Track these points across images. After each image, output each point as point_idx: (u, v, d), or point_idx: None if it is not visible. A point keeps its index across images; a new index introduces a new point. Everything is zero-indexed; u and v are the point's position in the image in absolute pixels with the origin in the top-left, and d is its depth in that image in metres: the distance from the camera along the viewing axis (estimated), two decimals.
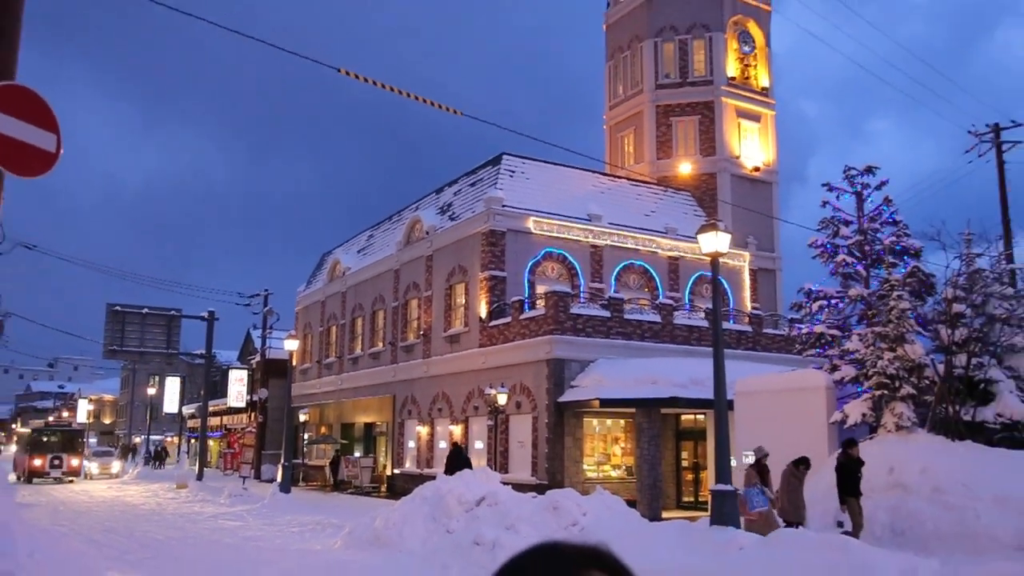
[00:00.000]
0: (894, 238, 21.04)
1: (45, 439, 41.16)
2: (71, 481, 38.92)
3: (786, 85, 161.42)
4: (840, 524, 14.30)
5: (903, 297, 17.45)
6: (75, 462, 40.32)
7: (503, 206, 28.30)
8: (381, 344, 35.10)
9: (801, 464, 14.62)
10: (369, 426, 36.11)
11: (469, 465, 27.74)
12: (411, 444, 32.03)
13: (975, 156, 25.54)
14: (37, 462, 38.94)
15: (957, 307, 16.84)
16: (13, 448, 63.14)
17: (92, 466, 44.33)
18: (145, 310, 42.01)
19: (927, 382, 16.87)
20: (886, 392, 16.70)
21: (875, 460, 15.62)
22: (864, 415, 17.28)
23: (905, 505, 14.30)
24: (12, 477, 42.83)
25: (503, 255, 28.14)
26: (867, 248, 21.35)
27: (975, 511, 13.31)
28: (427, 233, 32.02)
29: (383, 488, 32.06)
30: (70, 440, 41.59)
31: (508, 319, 26.88)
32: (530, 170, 31.17)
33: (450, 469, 27.50)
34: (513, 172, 30.66)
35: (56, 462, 39.09)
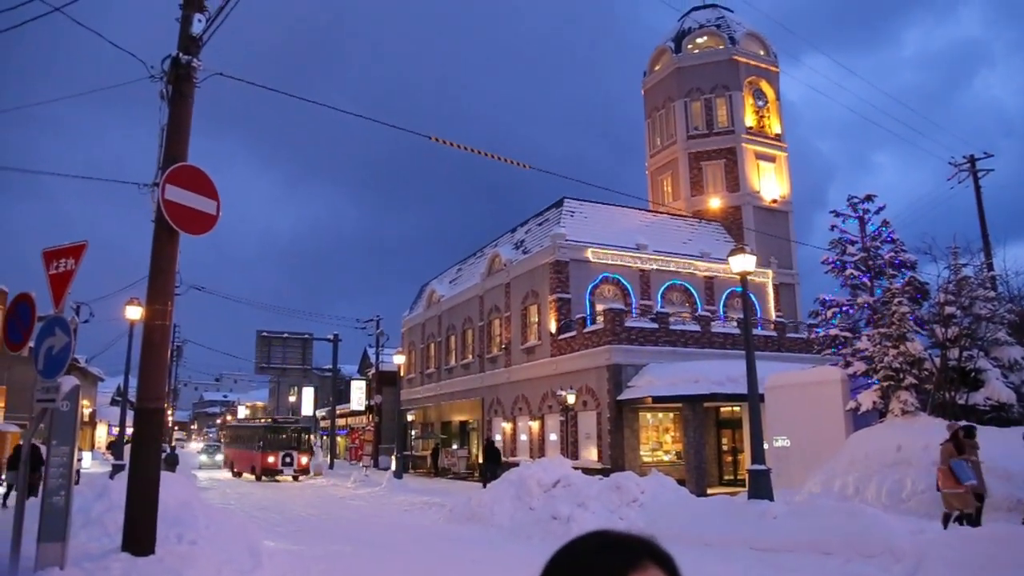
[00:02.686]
0: (893, 253, 20.62)
1: (276, 435, 33.86)
2: (301, 479, 32.67)
3: (807, 125, 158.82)
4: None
5: (903, 303, 17.12)
6: (305, 459, 33.47)
7: (566, 240, 28.51)
8: (471, 356, 35.51)
9: (971, 435, 12.61)
10: (463, 423, 36.46)
11: (499, 457, 28.44)
12: (497, 437, 32.25)
13: (956, 183, 25.02)
14: (271, 459, 32.11)
15: (948, 309, 16.46)
16: (195, 444, 62.50)
17: None
18: (285, 335, 43.35)
19: (926, 373, 16.48)
20: (892, 383, 16.37)
21: (885, 440, 15.32)
22: (874, 403, 16.96)
23: (911, 477, 13.97)
24: (223, 473, 37.37)
25: (567, 280, 28.32)
26: (870, 263, 20.96)
27: None
28: (505, 265, 32.39)
29: (475, 474, 32.36)
30: (299, 436, 34.85)
31: (573, 333, 27.00)
32: (587, 210, 31.33)
33: (486, 460, 28.24)
34: (573, 213, 30.87)
35: (288, 459, 32.45)
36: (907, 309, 17.07)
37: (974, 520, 11.38)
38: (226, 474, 37.02)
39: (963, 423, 13.00)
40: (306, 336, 42.60)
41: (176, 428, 77.14)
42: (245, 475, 34.13)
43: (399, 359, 34.97)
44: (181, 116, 8.51)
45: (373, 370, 46.88)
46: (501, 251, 33.46)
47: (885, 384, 16.54)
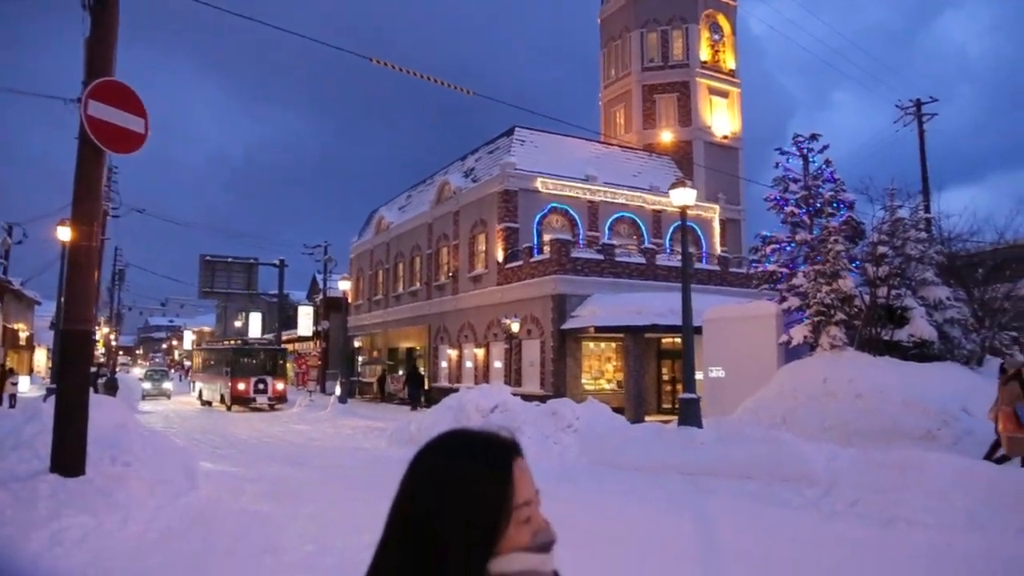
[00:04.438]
0: (832, 193, 21.07)
1: (248, 359, 30.89)
2: (278, 408, 29.50)
3: (772, 60, 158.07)
4: None
5: (838, 241, 17.57)
6: (281, 386, 30.17)
7: (515, 169, 28.41)
8: (418, 284, 35.57)
9: None
10: (410, 350, 36.71)
11: (423, 382, 29.72)
12: (443, 364, 32.66)
13: (901, 126, 25.49)
14: (241, 386, 28.98)
15: (881, 249, 16.94)
16: (139, 370, 60.54)
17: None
18: (230, 259, 42.67)
19: (856, 310, 17.04)
20: (823, 318, 16.90)
21: (813, 373, 15.91)
22: (806, 337, 17.51)
23: (834, 408, 14.59)
24: (191, 400, 34.49)
25: (516, 210, 28.34)
26: (811, 201, 21.40)
27: (888, 411, 13.63)
28: (454, 193, 32.21)
29: (423, 400, 32.82)
30: (274, 360, 31.49)
31: (520, 262, 27.18)
32: (538, 139, 31.15)
33: (410, 384, 29.54)
34: (524, 142, 30.67)
35: (261, 386, 29.29)
36: (842, 247, 17.53)
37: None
38: (182, 406, 35.07)
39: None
40: (251, 261, 42.01)
41: (121, 353, 75.99)
42: (216, 405, 31.13)
43: (346, 285, 34.83)
44: (105, 27, 8.17)
45: (321, 296, 46.68)
46: (451, 179, 33.21)
47: (816, 319, 17.08)
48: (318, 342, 46.86)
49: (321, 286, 45.91)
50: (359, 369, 41.50)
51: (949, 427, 13.05)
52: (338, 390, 29.86)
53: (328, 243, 43.62)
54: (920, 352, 16.04)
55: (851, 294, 16.96)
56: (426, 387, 32.59)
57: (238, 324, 57.23)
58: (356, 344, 42.44)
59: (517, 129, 31.08)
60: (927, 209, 20.85)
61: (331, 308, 44.06)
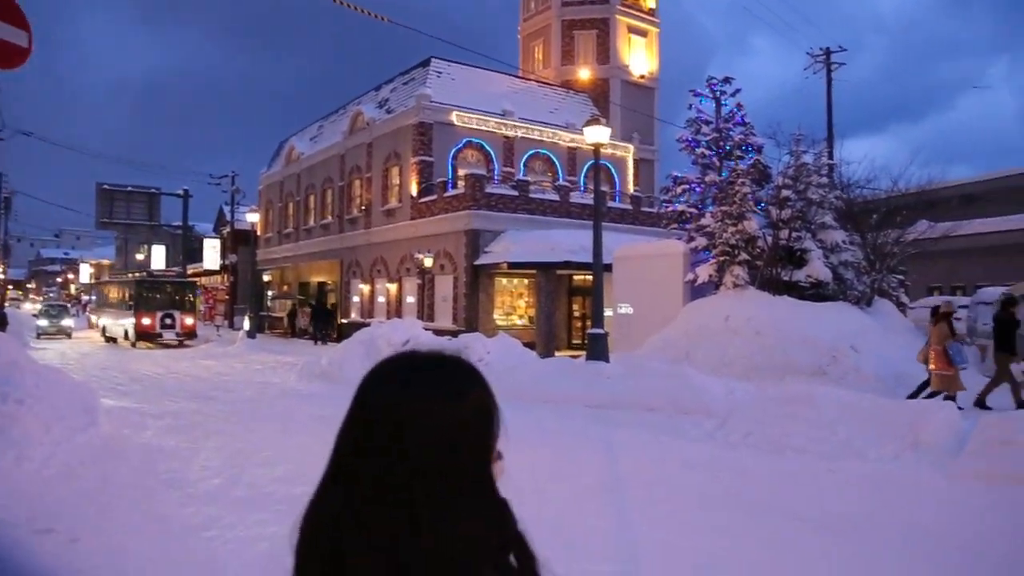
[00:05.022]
0: (742, 136, 21.61)
1: (154, 293, 29.11)
2: (187, 344, 28.04)
3: (692, 2, 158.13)
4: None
5: (745, 184, 18.14)
6: (190, 320, 28.64)
7: (431, 102, 27.90)
8: (330, 217, 34.84)
9: (1011, 305, 12.21)
10: (321, 284, 36.17)
11: (328, 316, 29.73)
12: (355, 299, 32.37)
13: (811, 73, 26.20)
14: (146, 321, 27.26)
15: (785, 193, 17.57)
16: (31, 306, 57.22)
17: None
18: (129, 188, 40.55)
19: (759, 251, 17.71)
20: (728, 258, 17.51)
21: (716, 311, 16.55)
22: (711, 276, 18.13)
23: (734, 344, 15.26)
24: (94, 337, 32.14)
25: (431, 143, 27.92)
26: (721, 144, 21.90)
27: (784, 348, 14.37)
28: (368, 124, 31.43)
29: (334, 335, 32.53)
30: (182, 293, 29.97)
31: (434, 197, 26.93)
32: (455, 71, 30.55)
33: (315, 319, 29.75)
34: (440, 73, 30.04)
35: (168, 321, 27.63)
36: (748, 190, 18.10)
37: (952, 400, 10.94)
38: (81, 343, 32.97)
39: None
40: (153, 190, 40.05)
41: (10, 288, 71.85)
42: (121, 342, 29.24)
43: (254, 217, 33.79)
44: None
45: (228, 228, 45.17)
46: (364, 109, 32.35)
47: (722, 259, 17.68)
48: (225, 276, 45.54)
49: (228, 218, 44.36)
50: (268, 304, 40.69)
51: (838, 363, 13.88)
52: (247, 325, 29.27)
53: (236, 173, 42.05)
54: (816, 292, 16.86)
55: (755, 235, 17.60)
56: (336, 321, 32.34)
57: (140, 257, 54.75)
58: (265, 278, 41.48)
59: (434, 60, 30.39)
60: (830, 156, 21.66)
61: (239, 241, 42.73)
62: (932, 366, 11.34)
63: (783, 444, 8.57)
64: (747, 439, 9.15)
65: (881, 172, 24.84)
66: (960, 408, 10.69)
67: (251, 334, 28.39)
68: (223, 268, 45.98)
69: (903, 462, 7.86)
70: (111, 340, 30.16)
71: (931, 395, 11.35)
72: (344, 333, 28.57)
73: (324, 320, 30.68)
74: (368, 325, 20.02)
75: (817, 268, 16.79)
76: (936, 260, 23.84)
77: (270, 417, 11.09)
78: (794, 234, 17.33)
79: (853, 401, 9.35)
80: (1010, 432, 7.68)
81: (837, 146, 23.64)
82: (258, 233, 37.03)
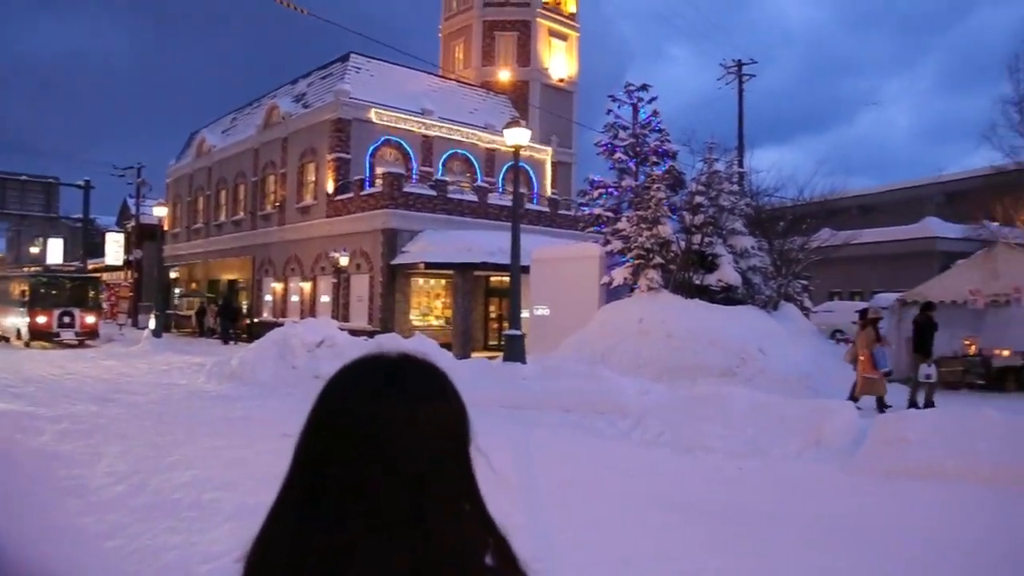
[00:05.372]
0: (658, 142, 22.16)
1: (50, 289, 26.94)
2: (88, 344, 26.24)
3: (612, 9, 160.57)
4: (928, 376, 11.90)
5: (660, 189, 18.56)
6: (91, 319, 26.71)
7: (350, 98, 27.48)
8: (242, 213, 33.88)
9: (929, 309, 12.86)
10: (232, 282, 35.13)
11: (235, 315, 29.47)
12: (268, 298, 31.59)
13: (724, 84, 27.11)
14: (42, 319, 25.52)
15: (698, 199, 18.05)
16: None
17: None
18: (24, 177, 38.39)
19: (672, 255, 18.11)
20: (643, 261, 17.84)
21: (631, 313, 16.85)
22: (626, 279, 18.44)
23: (648, 346, 15.56)
24: None
25: (348, 140, 27.51)
26: (638, 149, 22.40)
27: (695, 350, 14.77)
28: (283, 118, 30.69)
29: (244, 335, 31.64)
30: (83, 290, 27.92)
31: (351, 194, 26.54)
32: (374, 68, 30.20)
33: (222, 318, 29.17)
34: (359, 69, 29.64)
35: (67, 319, 25.86)
36: (663, 195, 18.54)
37: (881, 402, 11.72)
38: None
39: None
40: (50, 180, 38.05)
41: None
42: (14, 341, 27.22)
43: (161, 211, 32.48)
44: None
45: (133, 222, 43.35)
46: (280, 103, 31.58)
47: (637, 262, 18.02)
48: (129, 272, 43.67)
49: (133, 211, 42.56)
50: (175, 302, 39.24)
51: (747, 365, 14.36)
52: (152, 324, 28.17)
53: (142, 165, 40.36)
54: (726, 296, 17.39)
55: (669, 240, 18.03)
56: (245, 320, 31.49)
57: (34, 250, 51.95)
58: (172, 275, 40.01)
59: (353, 55, 29.95)
60: (740, 164, 22.43)
61: (145, 236, 41.02)
62: (860, 369, 11.78)
63: (695, 443, 8.82)
64: (660, 438, 9.38)
65: (788, 181, 25.91)
66: (889, 406, 11.27)
67: (157, 333, 27.33)
68: (127, 264, 44.10)
69: (806, 459, 8.21)
70: (2, 340, 28.47)
71: (854, 399, 11.70)
72: (256, 333, 27.82)
73: (231, 318, 29.84)
74: (281, 325, 19.56)
75: (728, 273, 17.33)
76: (837, 266, 24.99)
77: (177, 420, 10.70)
78: (706, 239, 17.83)
79: (760, 401, 9.71)
80: (903, 430, 8.12)
81: (747, 155, 24.54)
82: (165, 228, 35.62)
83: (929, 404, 11.52)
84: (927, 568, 4.91)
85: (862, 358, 11.74)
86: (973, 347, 14.78)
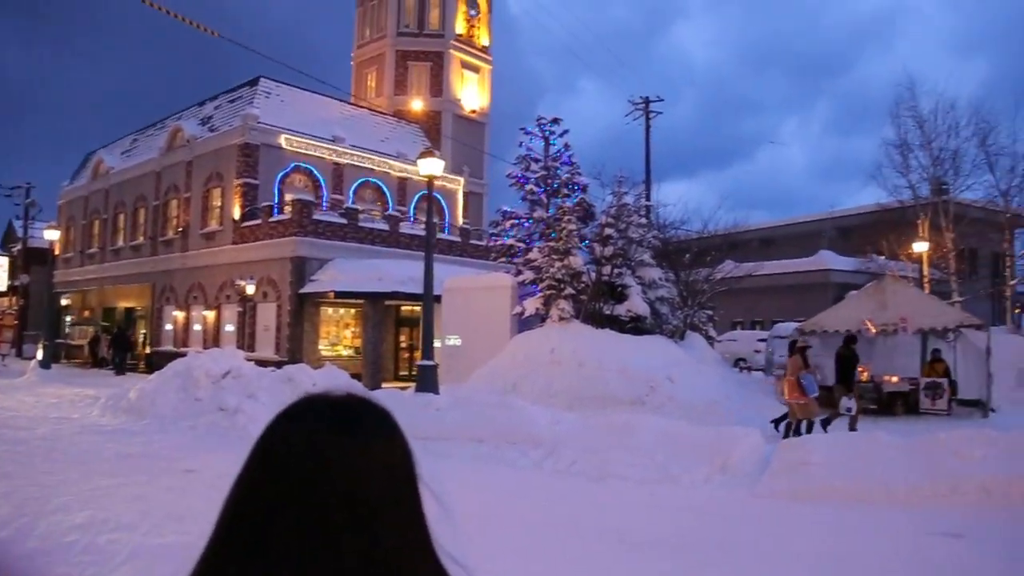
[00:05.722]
0: (569, 175, 22.58)
1: None
2: None
3: (525, 42, 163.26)
4: (849, 409, 12.53)
5: (572, 221, 18.91)
6: None
7: (259, 122, 26.94)
8: (142, 238, 32.52)
9: (852, 342, 13.76)
10: (130, 310, 33.61)
11: (128, 345, 28.24)
12: (168, 327, 30.33)
13: (632, 120, 28.00)
14: None
15: (608, 231, 18.47)
16: None
17: None
18: None
19: (583, 285, 18.42)
20: (554, 292, 18.08)
21: (542, 343, 17.01)
22: (538, 309, 18.63)
23: (559, 375, 15.73)
24: None
25: (256, 165, 26.91)
26: (549, 181, 22.76)
27: (605, 379, 15.01)
28: (188, 141, 29.78)
29: (141, 365, 30.23)
30: None
31: (259, 221, 25.91)
32: (284, 93, 29.76)
33: (115, 348, 28.09)
34: (269, 93, 29.15)
35: None
36: (575, 227, 18.89)
37: (817, 425, 12.07)
38: None
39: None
40: None
41: None
42: None
43: (52, 235, 30.84)
44: None
45: (20, 246, 41.02)
46: (185, 125, 30.67)
47: (548, 293, 18.25)
48: (14, 299, 41.21)
49: (21, 234, 40.33)
50: (67, 330, 37.19)
51: (656, 393, 14.69)
52: (40, 354, 26.60)
53: (31, 184, 38.42)
54: (635, 326, 17.79)
55: (580, 271, 18.34)
56: (144, 350, 30.14)
57: None
58: (64, 302, 37.95)
59: (263, 80, 29.45)
60: (648, 197, 23.12)
61: (33, 260, 38.90)
62: (787, 396, 12.17)
63: (606, 471, 8.93)
64: (572, 467, 9.45)
65: (693, 214, 26.96)
66: (826, 430, 11.71)
67: (45, 364, 25.82)
68: (12, 289, 41.62)
69: (714, 484, 8.43)
70: None
71: (788, 423, 12.23)
72: (156, 363, 26.65)
73: (124, 348, 28.56)
74: (182, 355, 18.78)
75: (636, 303, 17.75)
76: (740, 297, 25.98)
77: (68, 457, 10.10)
78: (616, 270, 18.22)
79: (669, 429, 9.93)
80: (805, 455, 8.46)
81: (655, 188, 25.34)
82: (56, 252, 33.84)
83: (852, 431, 12.03)
84: None
85: (789, 384, 12.17)
86: (866, 374, 15.54)
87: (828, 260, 32.74)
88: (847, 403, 12.47)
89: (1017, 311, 29.45)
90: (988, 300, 29.73)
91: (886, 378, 16.19)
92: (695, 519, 7.04)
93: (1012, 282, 27.12)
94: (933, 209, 24.52)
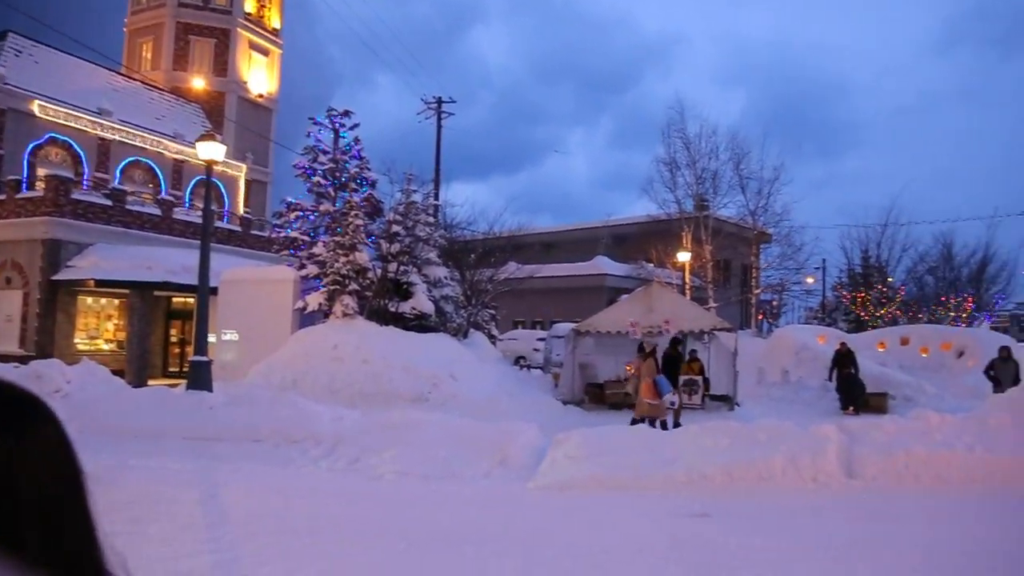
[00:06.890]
0: (358, 169, 22.25)
1: None
2: None
3: (323, 31, 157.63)
4: (673, 404, 13.32)
5: (359, 216, 18.65)
6: None
7: (5, 84, 23.93)
8: None
9: (677, 344, 14.82)
10: None
11: None
12: None
13: (424, 119, 28.17)
14: None
15: (395, 228, 18.46)
16: None
17: None
18: None
19: (369, 282, 18.27)
20: (338, 287, 17.76)
21: (325, 339, 16.65)
22: (321, 304, 18.19)
23: (342, 372, 15.49)
24: None
25: (1, 132, 23.90)
26: (337, 174, 22.28)
27: (389, 376, 14.99)
28: None
29: None
30: None
31: (3, 196, 22.99)
32: (40, 54, 26.66)
33: None
34: (20, 52, 25.98)
35: None
36: (361, 222, 18.65)
37: (663, 424, 12.66)
38: None
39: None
40: None
41: None
42: None
43: None
44: None
45: None
46: None
47: (332, 288, 17.88)
48: None
49: None
50: None
51: (439, 390, 14.89)
52: None
53: None
54: (420, 324, 17.91)
55: (365, 267, 18.15)
56: None
57: None
58: None
59: (12, 35, 26.16)
60: (436, 196, 23.35)
61: None
62: (643, 395, 12.72)
63: (390, 468, 8.92)
64: (354, 465, 9.34)
65: (480, 216, 27.53)
66: (678, 426, 12.37)
67: None
68: None
69: (493, 479, 8.70)
70: None
71: (635, 421, 12.74)
72: None
73: None
74: None
75: (422, 301, 17.87)
76: (521, 297, 26.97)
77: None
78: (402, 268, 18.24)
79: (452, 425, 10.12)
80: (574, 449, 8.97)
81: (444, 188, 25.63)
82: None
83: (677, 426, 12.83)
84: (565, 571, 5.45)
85: (645, 386, 12.69)
86: (633, 371, 16.73)
87: (603, 265, 34.89)
88: (671, 398, 13.32)
89: (760, 317, 33.29)
90: (738, 306, 33.26)
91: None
92: (476, 512, 7.23)
93: (757, 291, 30.58)
94: (695, 223, 27.09)
